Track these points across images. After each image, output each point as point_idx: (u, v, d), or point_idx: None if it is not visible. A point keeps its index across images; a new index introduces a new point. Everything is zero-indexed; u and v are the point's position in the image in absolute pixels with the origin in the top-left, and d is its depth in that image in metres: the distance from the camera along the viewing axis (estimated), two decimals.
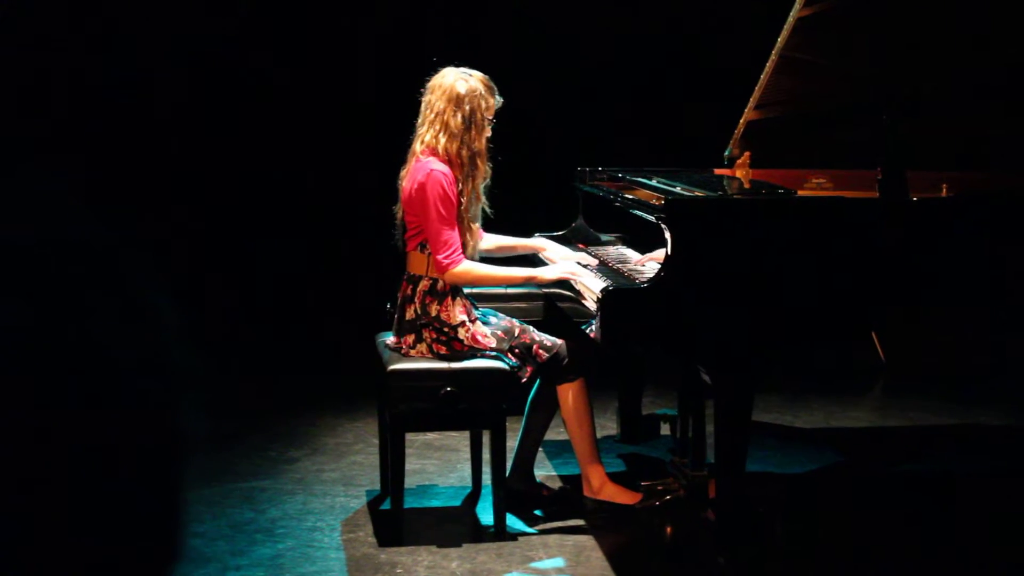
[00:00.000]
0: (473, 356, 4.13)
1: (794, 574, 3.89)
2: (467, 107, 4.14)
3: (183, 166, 7.15)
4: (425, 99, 4.23)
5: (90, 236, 0.71)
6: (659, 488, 4.35)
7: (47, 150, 6.45)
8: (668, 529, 4.20)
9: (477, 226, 4.27)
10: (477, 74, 4.23)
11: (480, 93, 4.17)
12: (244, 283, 7.25)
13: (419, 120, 4.24)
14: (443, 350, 4.14)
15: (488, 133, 4.20)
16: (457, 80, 4.17)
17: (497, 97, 4.23)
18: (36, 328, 0.66)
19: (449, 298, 4.15)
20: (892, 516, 4.40)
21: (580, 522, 4.24)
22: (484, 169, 4.20)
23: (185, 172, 7.17)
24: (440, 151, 4.14)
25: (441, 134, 4.14)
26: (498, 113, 4.24)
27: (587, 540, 4.09)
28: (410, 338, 4.18)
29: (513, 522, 4.20)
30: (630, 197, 4.33)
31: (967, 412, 5.77)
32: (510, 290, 5.02)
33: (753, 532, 4.04)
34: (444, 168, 4.12)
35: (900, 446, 5.34)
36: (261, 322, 7.08)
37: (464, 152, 4.14)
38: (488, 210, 4.30)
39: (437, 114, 4.16)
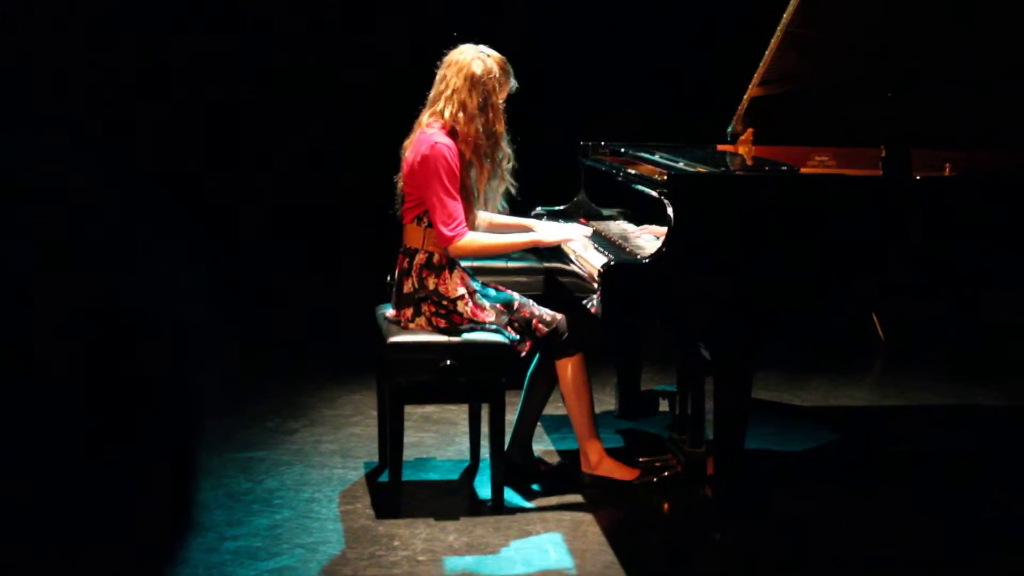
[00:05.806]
0: (472, 329, 4.12)
1: (791, 552, 3.89)
2: (482, 88, 4.11)
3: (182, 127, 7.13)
4: (440, 72, 4.19)
5: (103, 190, 0.70)
6: (657, 464, 4.36)
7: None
8: (665, 505, 4.21)
9: (500, 205, 4.26)
10: (495, 55, 4.19)
11: (495, 76, 4.14)
12: (242, 253, 7.23)
13: (432, 93, 4.20)
14: (442, 323, 4.13)
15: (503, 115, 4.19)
16: (475, 59, 4.14)
17: (512, 81, 4.20)
18: (49, 277, 0.64)
19: (446, 271, 4.14)
20: (889, 495, 4.40)
21: (578, 497, 4.24)
22: (507, 151, 4.19)
23: (182, 139, 7.16)
24: (453, 127, 4.11)
25: (460, 112, 4.10)
26: (510, 97, 4.21)
27: (584, 515, 4.09)
28: (408, 311, 4.17)
29: (511, 496, 4.20)
30: (633, 172, 4.32)
31: (965, 392, 5.77)
32: (511, 264, 5.01)
33: (750, 509, 4.05)
34: (448, 141, 4.09)
35: (898, 425, 5.34)
36: (260, 293, 7.07)
37: (482, 133, 4.11)
38: (513, 190, 4.28)
39: (454, 91, 4.12)
